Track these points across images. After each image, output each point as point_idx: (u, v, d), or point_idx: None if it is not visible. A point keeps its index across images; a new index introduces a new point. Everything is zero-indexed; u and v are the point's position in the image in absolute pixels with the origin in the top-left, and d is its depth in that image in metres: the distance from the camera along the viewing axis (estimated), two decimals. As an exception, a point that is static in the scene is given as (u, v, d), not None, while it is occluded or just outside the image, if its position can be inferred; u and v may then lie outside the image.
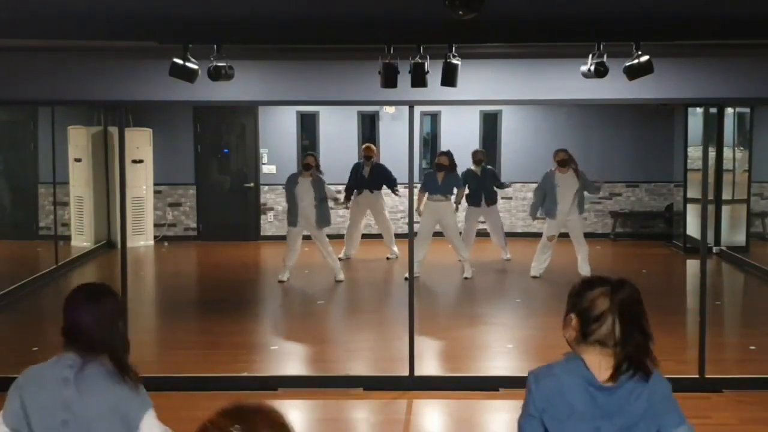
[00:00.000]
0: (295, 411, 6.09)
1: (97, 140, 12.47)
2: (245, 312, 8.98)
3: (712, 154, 11.24)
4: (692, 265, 10.88)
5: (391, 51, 5.64)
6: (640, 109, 12.36)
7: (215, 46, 5.66)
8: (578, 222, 10.25)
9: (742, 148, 12.11)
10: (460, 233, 10.63)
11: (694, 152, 12.04)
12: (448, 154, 10.39)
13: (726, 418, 5.79)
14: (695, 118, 11.81)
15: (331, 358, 7.38)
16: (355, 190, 11.17)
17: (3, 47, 6.02)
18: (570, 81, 6.15)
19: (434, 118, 13.50)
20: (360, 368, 7.02)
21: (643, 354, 2.40)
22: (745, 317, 9.34)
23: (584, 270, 9.94)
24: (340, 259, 11.11)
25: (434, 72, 5.70)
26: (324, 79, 6.50)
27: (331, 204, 11.07)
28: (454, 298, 9.99)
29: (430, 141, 13.65)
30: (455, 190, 10.41)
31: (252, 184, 13.27)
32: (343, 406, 6.19)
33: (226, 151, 13.56)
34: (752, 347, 7.53)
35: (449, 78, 5.70)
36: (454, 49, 5.64)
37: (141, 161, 12.51)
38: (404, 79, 5.73)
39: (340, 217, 12.62)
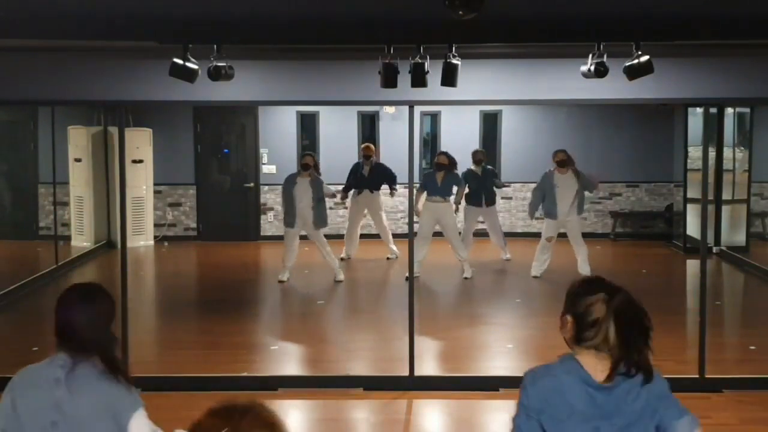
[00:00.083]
0: (295, 411, 6.09)
1: (97, 140, 12.47)
2: (245, 312, 8.98)
3: (712, 154, 11.24)
4: (692, 265, 10.88)
5: (391, 51, 5.64)
6: (640, 109, 12.37)
7: (215, 46, 5.66)
8: (577, 223, 10.24)
9: (742, 148, 12.11)
10: (460, 233, 10.63)
11: (694, 152, 12.05)
12: (447, 154, 10.40)
13: (726, 418, 5.79)
14: (695, 118, 11.81)
15: (331, 358, 7.38)
16: (356, 190, 11.17)
17: (3, 47, 6.02)
18: (570, 81, 6.14)
19: (434, 118, 13.50)
20: (360, 368, 7.02)
21: (643, 357, 2.41)
22: (745, 317, 9.34)
23: (585, 271, 9.94)
24: (341, 260, 11.12)
25: (434, 72, 5.70)
26: (324, 79, 6.50)
27: (330, 204, 11.09)
28: (454, 298, 9.99)
29: (430, 141, 13.64)
30: (455, 189, 10.41)
31: (252, 184, 13.27)
32: (343, 406, 6.19)
33: (226, 151, 13.56)
34: (752, 347, 7.54)
35: (449, 78, 5.70)
36: (454, 49, 5.64)
37: (141, 161, 12.51)
38: (404, 79, 5.73)
39: (339, 217, 12.64)
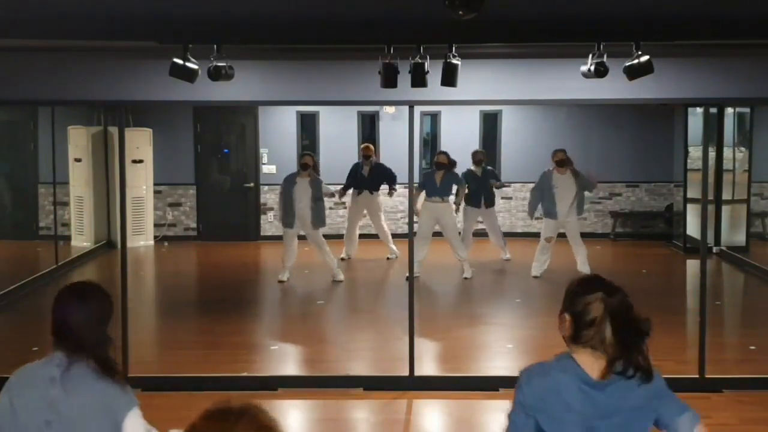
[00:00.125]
0: (295, 411, 6.09)
1: (97, 140, 12.47)
2: (245, 312, 8.98)
3: (712, 154, 11.24)
4: (692, 265, 10.87)
5: (391, 51, 5.64)
6: (640, 109, 12.36)
7: (215, 46, 5.66)
8: (576, 223, 10.24)
9: (742, 148, 12.11)
10: (459, 233, 10.63)
11: (694, 152, 12.05)
12: (446, 153, 10.39)
13: (726, 418, 5.79)
14: (695, 118, 11.81)
15: (331, 358, 7.38)
16: (355, 191, 11.16)
17: (3, 47, 6.02)
18: (570, 81, 6.15)
19: (434, 118, 13.50)
20: (360, 368, 7.02)
21: (642, 357, 2.41)
22: (745, 317, 9.34)
23: (585, 271, 9.92)
24: (341, 260, 11.12)
25: (434, 72, 5.70)
26: (324, 79, 6.50)
27: (330, 204, 11.07)
28: (454, 298, 9.99)
29: (430, 141, 13.64)
30: (455, 189, 10.40)
31: (252, 184, 13.27)
32: (343, 406, 6.19)
33: (226, 151, 13.56)
34: (752, 347, 7.54)
35: (449, 78, 5.70)
36: (454, 49, 5.64)
37: (141, 161, 12.51)
38: (404, 79, 5.73)
39: (339, 217, 12.63)
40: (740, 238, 11.75)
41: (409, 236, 6.82)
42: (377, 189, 11.19)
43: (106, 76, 6.39)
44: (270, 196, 13.23)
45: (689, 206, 12.14)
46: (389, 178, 11.04)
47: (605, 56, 5.57)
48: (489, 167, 11.38)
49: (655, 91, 6.18)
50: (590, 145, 13.04)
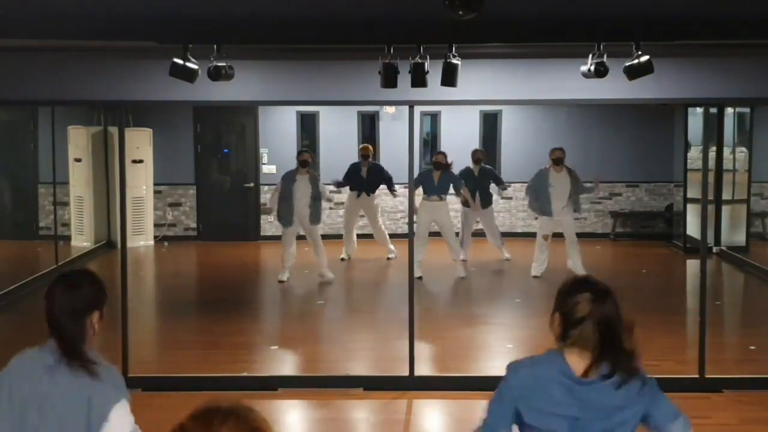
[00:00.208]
0: (295, 411, 6.09)
1: (97, 140, 12.47)
2: (245, 312, 8.98)
3: (712, 154, 11.24)
4: (692, 265, 10.88)
5: (391, 51, 5.64)
6: (640, 109, 12.36)
7: (215, 46, 5.66)
8: (572, 222, 10.24)
9: (742, 148, 12.11)
10: (457, 234, 10.62)
11: (694, 152, 12.05)
12: (445, 154, 10.40)
13: (726, 418, 5.79)
14: (695, 118, 11.82)
15: (331, 358, 7.37)
16: (354, 192, 11.12)
17: (3, 47, 6.02)
18: (570, 81, 6.15)
19: (434, 118, 13.50)
20: (360, 368, 7.02)
21: (625, 358, 2.43)
22: (745, 317, 9.34)
23: (576, 270, 9.89)
24: (342, 260, 11.12)
25: (434, 72, 5.70)
26: (324, 79, 6.50)
27: (330, 204, 11.06)
28: (454, 298, 9.99)
29: (430, 141, 13.64)
30: (452, 189, 10.39)
31: (252, 184, 13.27)
32: (343, 406, 6.19)
33: (226, 151, 13.56)
34: (752, 347, 7.53)
35: (449, 78, 5.70)
36: (454, 49, 5.64)
37: (141, 161, 12.51)
38: (404, 79, 5.73)
39: (339, 217, 12.63)
40: (740, 238, 11.75)
41: (409, 236, 6.82)
42: (374, 191, 11.15)
43: (106, 76, 6.39)
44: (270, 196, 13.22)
45: (689, 206, 12.14)
46: (386, 179, 11.02)
47: (605, 56, 5.57)
48: (488, 166, 11.37)
49: (655, 91, 6.18)
50: (590, 145, 13.04)
